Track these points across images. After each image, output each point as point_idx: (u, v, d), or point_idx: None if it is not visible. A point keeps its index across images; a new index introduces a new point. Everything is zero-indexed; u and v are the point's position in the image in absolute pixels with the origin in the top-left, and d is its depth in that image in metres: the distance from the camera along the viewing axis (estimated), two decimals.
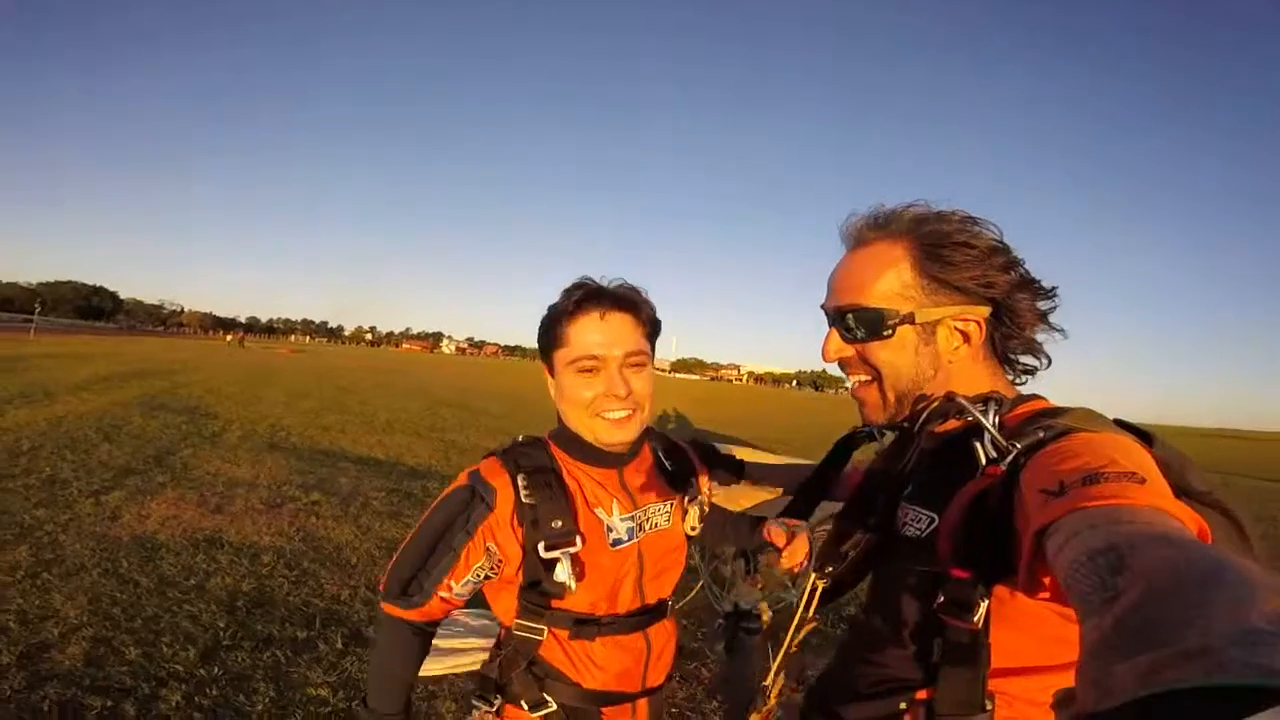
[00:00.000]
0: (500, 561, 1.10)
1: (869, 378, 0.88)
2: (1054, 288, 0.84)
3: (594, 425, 1.11)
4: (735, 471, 1.50)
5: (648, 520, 1.19)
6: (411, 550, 1.12)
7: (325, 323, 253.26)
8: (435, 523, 1.11)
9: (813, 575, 0.96)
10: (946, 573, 0.70)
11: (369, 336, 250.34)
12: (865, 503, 0.90)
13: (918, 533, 0.79)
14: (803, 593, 0.99)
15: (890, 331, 0.83)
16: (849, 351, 0.88)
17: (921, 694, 0.75)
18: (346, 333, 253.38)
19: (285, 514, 4.86)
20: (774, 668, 1.06)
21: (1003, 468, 0.69)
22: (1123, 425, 0.73)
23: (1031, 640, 0.70)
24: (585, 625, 1.12)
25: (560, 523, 1.06)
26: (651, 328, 1.16)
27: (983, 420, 0.73)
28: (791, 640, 1.02)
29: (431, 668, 2.65)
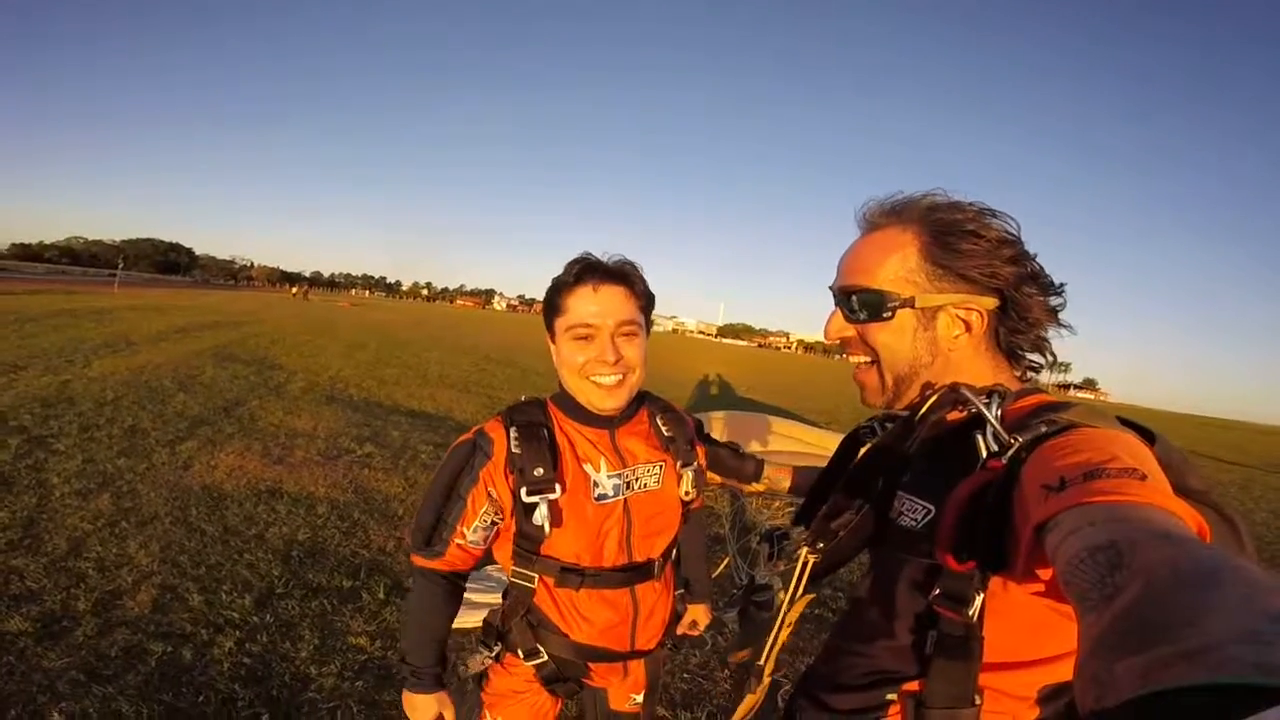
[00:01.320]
0: (500, 508, 1.18)
1: (869, 359, 0.89)
2: (1062, 284, 0.83)
3: (585, 388, 1.19)
4: (752, 473, 1.51)
5: (636, 480, 1.25)
6: (429, 502, 1.21)
7: (384, 278, 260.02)
8: (446, 475, 1.20)
9: (804, 550, 0.97)
10: (943, 565, 0.70)
11: (425, 292, 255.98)
12: (862, 484, 0.89)
13: (914, 523, 0.78)
14: (795, 567, 1.00)
15: (890, 314, 0.83)
16: (850, 332, 0.89)
17: (911, 686, 0.76)
18: (404, 288, 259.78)
19: (340, 466, 5.08)
20: (768, 648, 1.07)
21: (1004, 461, 0.68)
22: (1125, 423, 0.71)
23: (1021, 634, 0.70)
24: (569, 574, 1.20)
25: (540, 470, 1.15)
26: (645, 300, 1.23)
27: (986, 412, 0.73)
28: (785, 616, 1.03)
29: (465, 620, 2.77)
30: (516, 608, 1.26)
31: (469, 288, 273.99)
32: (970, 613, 0.68)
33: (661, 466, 1.29)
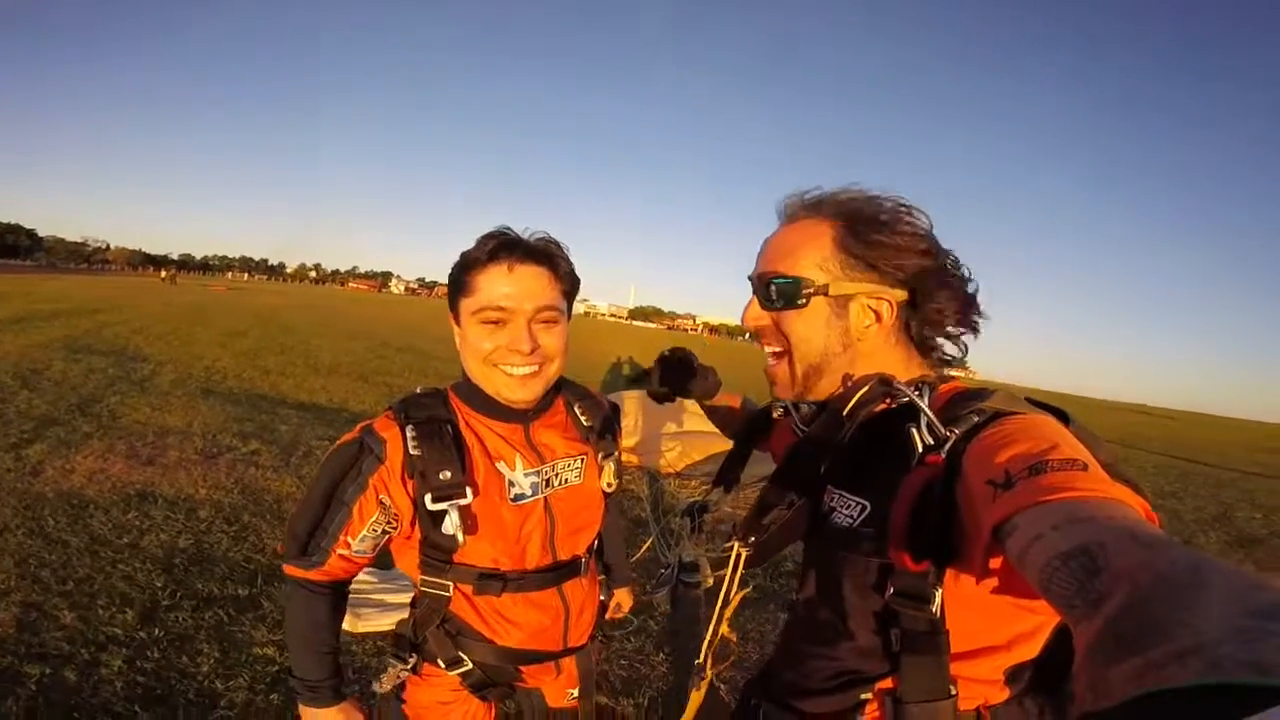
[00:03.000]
0: (396, 516, 1.08)
1: (780, 350, 0.89)
2: (970, 279, 0.86)
3: (493, 378, 1.08)
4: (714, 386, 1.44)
5: (556, 476, 1.17)
6: (306, 508, 1.09)
7: (265, 260, 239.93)
8: (326, 479, 1.08)
9: (736, 543, 0.96)
10: (897, 565, 0.70)
11: (313, 274, 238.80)
12: (792, 478, 0.89)
13: (849, 520, 0.78)
14: (727, 561, 1.00)
15: (805, 301, 0.84)
16: (766, 320, 0.89)
17: (884, 684, 0.76)
18: (289, 270, 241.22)
19: (222, 465, 4.71)
20: (706, 645, 1.06)
21: (943, 455, 0.69)
22: (1036, 404, 0.74)
23: (981, 623, 0.71)
24: (490, 581, 1.11)
25: (448, 474, 1.04)
26: (568, 284, 1.12)
27: (922, 406, 0.73)
28: (722, 613, 1.03)
29: (380, 623, 2.68)
30: (430, 617, 1.15)
31: (363, 270, 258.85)
32: (933, 609, 0.69)
33: (583, 459, 1.22)
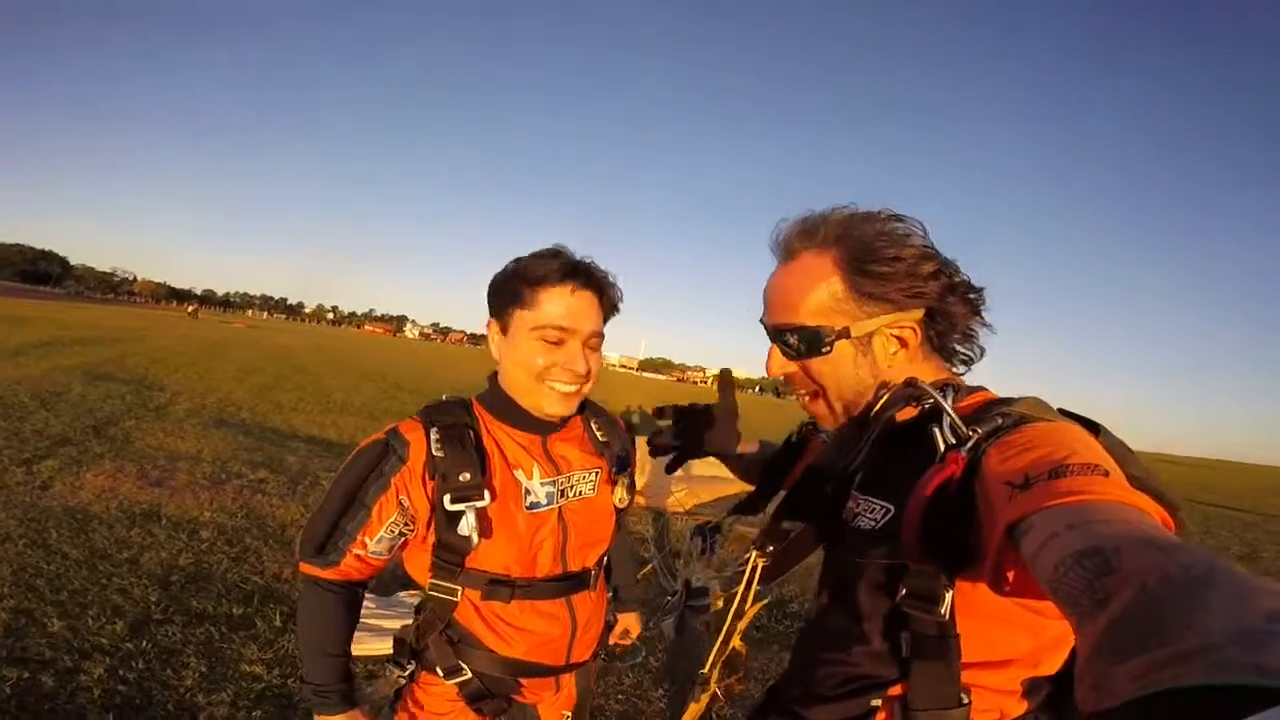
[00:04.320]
0: (413, 517, 1.07)
1: (814, 391, 0.88)
2: (981, 288, 0.85)
3: (539, 393, 1.09)
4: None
5: (570, 488, 1.18)
6: (326, 507, 1.08)
7: (285, 299, 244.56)
8: (349, 478, 1.07)
9: (753, 553, 0.94)
10: (908, 564, 0.69)
11: (330, 316, 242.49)
12: (810, 490, 0.87)
13: (873, 524, 0.76)
14: (742, 571, 0.97)
15: (829, 348, 0.82)
16: (792, 368, 0.88)
17: (894, 690, 0.73)
18: (307, 310, 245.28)
19: (229, 490, 4.68)
20: (713, 655, 1.02)
21: (964, 454, 0.67)
22: (1067, 415, 0.73)
23: (999, 630, 0.69)
24: (499, 586, 1.10)
25: (468, 475, 1.05)
26: (610, 312, 1.15)
27: (944, 404, 0.72)
28: (732, 624, 0.99)
29: (378, 647, 2.59)
30: (434, 623, 1.14)
31: (379, 313, 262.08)
32: (942, 611, 0.67)
33: (597, 473, 1.22)
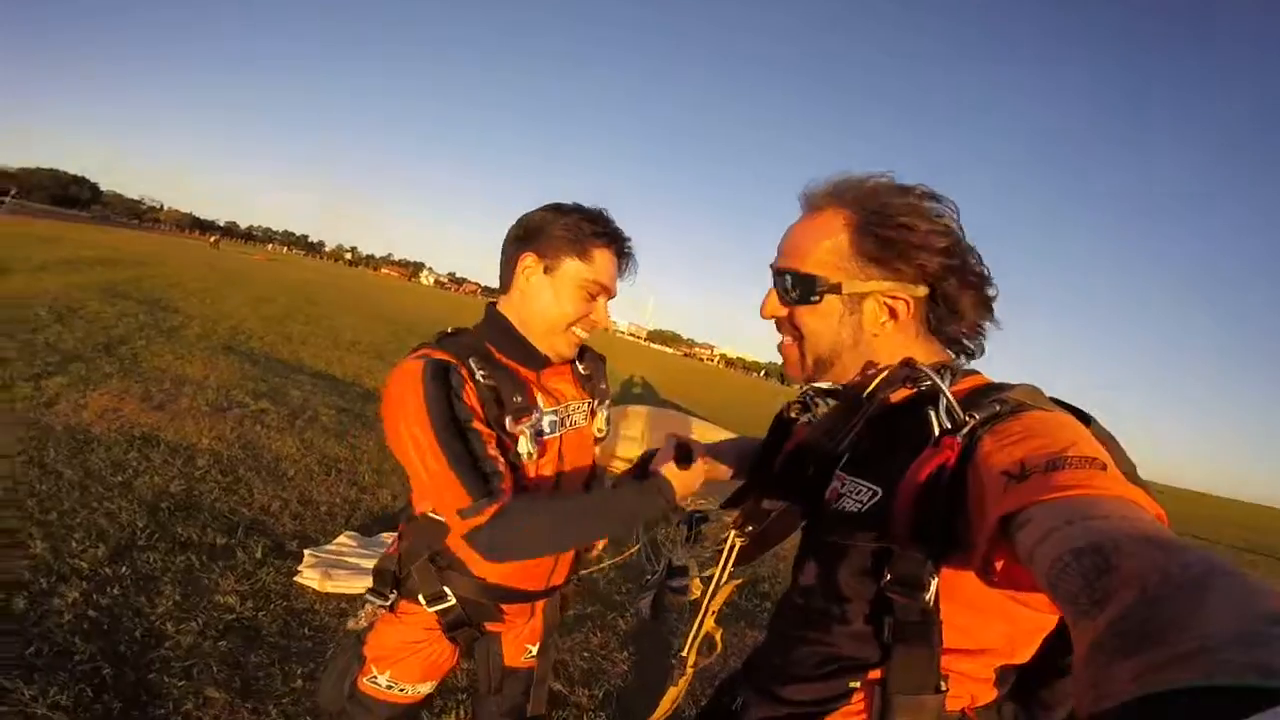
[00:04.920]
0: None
1: (793, 338, 0.87)
2: (989, 279, 0.81)
3: (561, 336, 1.15)
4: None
5: (569, 417, 1.22)
6: (443, 456, 0.99)
7: (306, 236, 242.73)
8: (439, 414, 1.00)
9: (732, 533, 0.91)
10: (895, 548, 0.67)
11: (349, 256, 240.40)
12: (794, 470, 0.85)
13: (858, 506, 0.74)
14: (720, 551, 0.95)
15: (818, 298, 0.81)
16: (783, 312, 0.86)
17: (873, 674, 0.72)
18: (327, 249, 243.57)
19: (229, 419, 4.64)
20: (691, 638, 1.01)
21: (959, 439, 0.64)
22: (1059, 404, 0.70)
23: (979, 618, 0.67)
24: None
25: (520, 399, 1.09)
26: (628, 278, 1.22)
27: (943, 387, 0.70)
28: (709, 602, 0.98)
29: (356, 585, 2.56)
30: (420, 549, 1.15)
31: (396, 257, 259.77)
32: (926, 597, 0.65)
33: (587, 404, 1.28)
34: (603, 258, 1.12)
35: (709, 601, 0.98)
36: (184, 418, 4.43)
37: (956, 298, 0.79)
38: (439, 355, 1.05)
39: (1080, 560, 0.44)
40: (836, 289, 0.80)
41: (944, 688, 0.68)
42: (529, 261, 1.12)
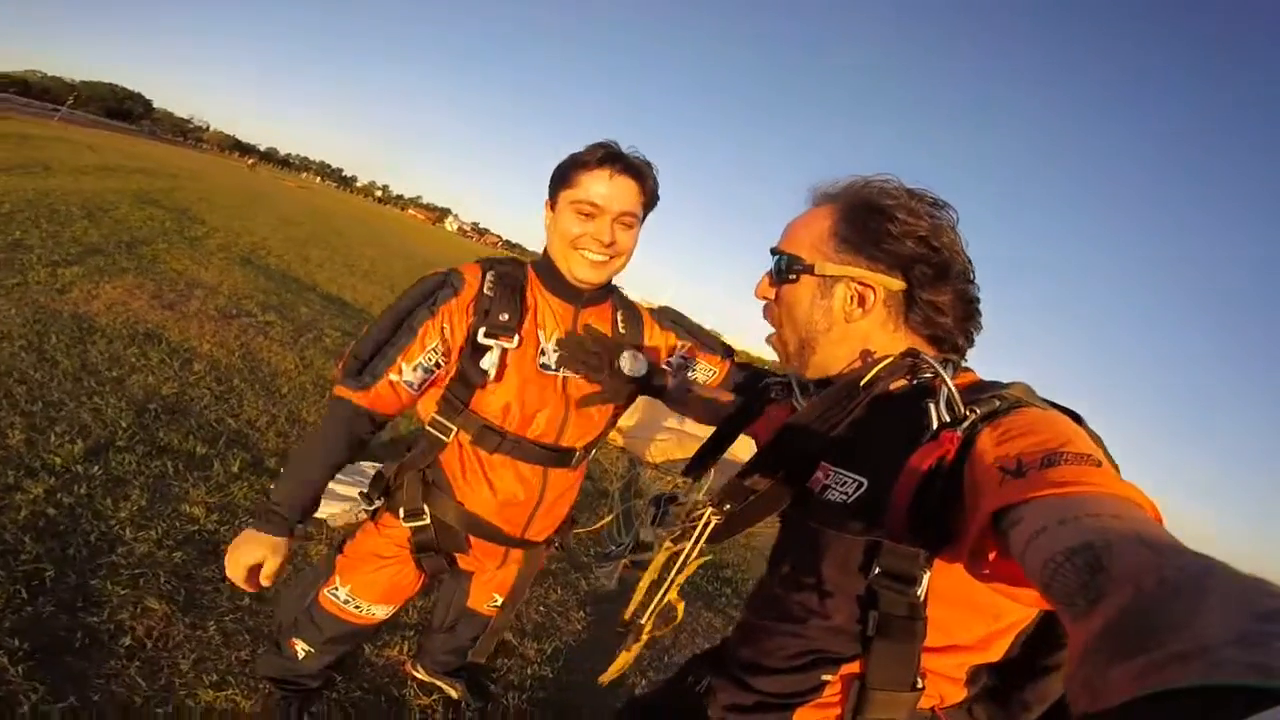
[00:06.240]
0: (449, 350, 1.09)
1: (776, 324, 0.85)
2: (972, 279, 0.77)
3: (572, 259, 1.12)
4: (723, 352, 1.36)
5: None
6: (373, 331, 1.10)
7: (340, 169, 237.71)
8: (402, 305, 1.10)
9: (708, 509, 0.87)
10: (888, 542, 0.63)
11: (379, 193, 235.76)
12: (780, 453, 0.79)
13: (843, 497, 0.70)
14: (694, 525, 0.89)
15: (795, 277, 0.80)
16: (770, 293, 0.85)
17: (850, 667, 0.68)
18: (359, 184, 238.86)
19: (234, 327, 4.41)
20: (650, 605, 0.94)
21: (959, 433, 0.61)
22: (1050, 404, 0.66)
23: (959, 615, 0.65)
24: (490, 433, 1.11)
25: (506, 317, 1.09)
26: (650, 199, 1.17)
27: (945, 378, 0.66)
28: (677, 574, 0.91)
29: (324, 510, 2.40)
30: (418, 460, 1.15)
31: (425, 200, 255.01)
32: (917, 592, 0.62)
33: None
34: (589, 177, 1.10)
35: (675, 574, 0.92)
36: (190, 320, 4.22)
37: (934, 294, 0.74)
38: (463, 269, 1.13)
39: (1073, 560, 0.41)
40: (810, 269, 0.79)
41: (920, 685, 0.65)
42: (546, 208, 1.17)
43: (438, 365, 1.10)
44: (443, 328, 1.07)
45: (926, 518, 0.61)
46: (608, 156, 1.11)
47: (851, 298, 0.77)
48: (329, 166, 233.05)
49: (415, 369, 1.08)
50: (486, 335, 1.07)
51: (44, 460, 2.14)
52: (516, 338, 1.08)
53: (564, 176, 1.13)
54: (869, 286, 0.76)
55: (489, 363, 1.07)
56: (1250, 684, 0.26)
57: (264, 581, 1.08)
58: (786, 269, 0.81)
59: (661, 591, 0.93)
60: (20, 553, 1.68)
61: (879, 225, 0.74)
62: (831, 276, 0.78)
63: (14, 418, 2.33)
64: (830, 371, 0.80)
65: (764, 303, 0.87)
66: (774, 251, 0.84)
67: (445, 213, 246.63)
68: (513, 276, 1.14)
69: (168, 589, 1.75)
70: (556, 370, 1.14)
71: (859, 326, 0.77)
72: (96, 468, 2.20)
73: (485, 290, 1.10)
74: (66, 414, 2.50)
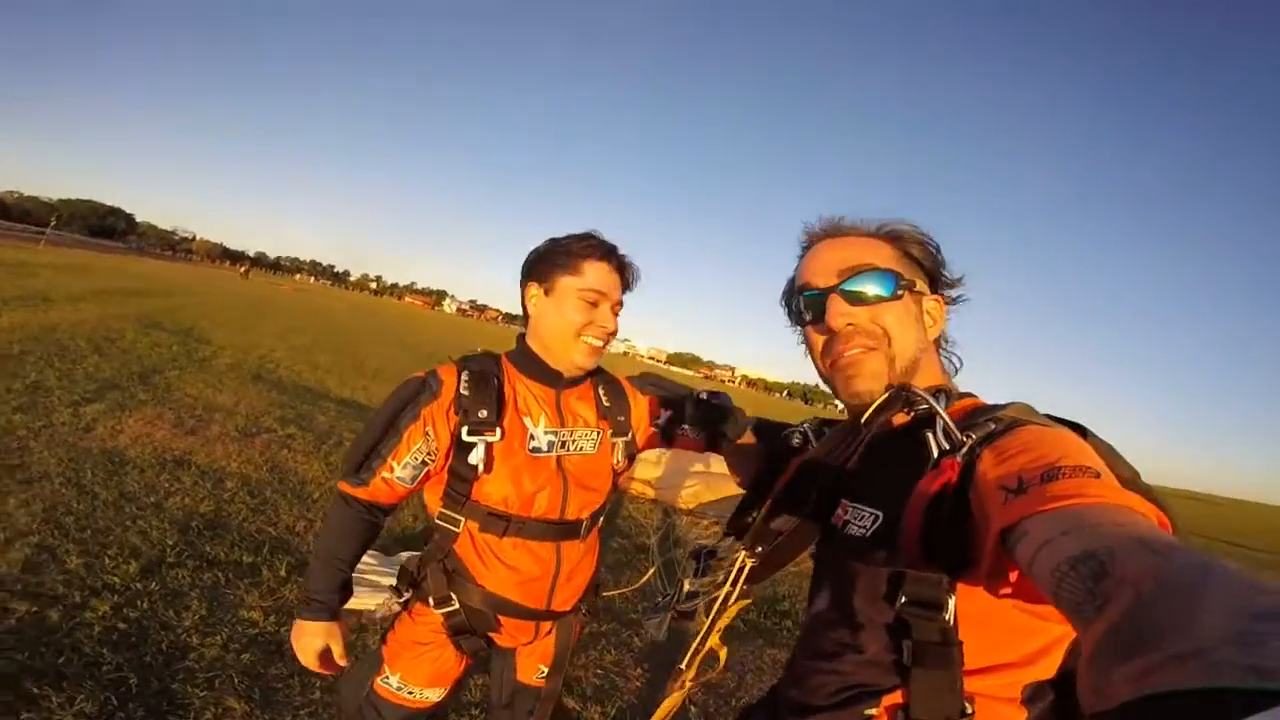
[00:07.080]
0: (436, 448, 1.17)
1: (872, 344, 0.79)
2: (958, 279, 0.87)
3: (575, 347, 1.21)
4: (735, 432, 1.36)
5: (571, 441, 1.26)
6: (367, 432, 1.19)
7: (331, 266, 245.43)
8: (389, 408, 1.18)
9: (742, 553, 0.91)
10: (908, 570, 0.66)
11: (373, 285, 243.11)
12: (805, 488, 0.84)
13: (862, 531, 0.73)
14: (730, 570, 0.94)
15: (901, 293, 0.80)
16: (859, 316, 0.79)
17: (891, 699, 0.69)
18: (352, 278, 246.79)
19: (258, 444, 4.69)
20: (691, 652, 0.99)
21: (959, 459, 0.65)
22: (1054, 419, 0.70)
23: (996, 635, 0.65)
24: (495, 519, 1.18)
25: (485, 413, 1.16)
26: (629, 287, 1.28)
27: (939, 410, 0.70)
28: (715, 619, 0.96)
29: (366, 601, 2.56)
30: (435, 553, 1.22)
31: (419, 286, 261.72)
32: (945, 616, 0.64)
33: (599, 433, 1.30)
34: (593, 268, 1.19)
35: (714, 619, 0.97)
36: (214, 443, 4.49)
37: (946, 309, 0.85)
38: (440, 371, 1.20)
39: (1077, 568, 0.44)
40: (911, 286, 0.80)
41: (969, 710, 0.64)
42: (533, 291, 1.24)
43: (425, 463, 1.18)
44: (426, 431, 1.16)
45: (939, 543, 0.64)
46: (606, 248, 1.22)
47: (931, 320, 0.83)
48: (320, 264, 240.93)
49: (405, 467, 1.17)
50: (470, 433, 1.15)
51: (104, 580, 2.36)
52: (499, 430, 1.17)
53: (565, 263, 1.20)
54: (941, 308, 0.85)
55: (476, 458, 1.15)
56: (1247, 685, 0.27)
57: (339, 661, 1.24)
58: (888, 285, 0.79)
59: (699, 638, 0.98)
60: (102, 664, 1.88)
61: (936, 255, 0.84)
62: (922, 295, 0.83)
63: (68, 545, 2.57)
64: (926, 384, 0.80)
65: (843, 328, 0.80)
66: (860, 269, 0.80)
67: (442, 295, 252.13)
68: (487, 374, 1.21)
69: (243, 688, 1.93)
70: (549, 452, 1.22)
71: (930, 351, 0.83)
72: (154, 584, 2.42)
73: (462, 390, 1.16)
74: (115, 538, 2.73)
